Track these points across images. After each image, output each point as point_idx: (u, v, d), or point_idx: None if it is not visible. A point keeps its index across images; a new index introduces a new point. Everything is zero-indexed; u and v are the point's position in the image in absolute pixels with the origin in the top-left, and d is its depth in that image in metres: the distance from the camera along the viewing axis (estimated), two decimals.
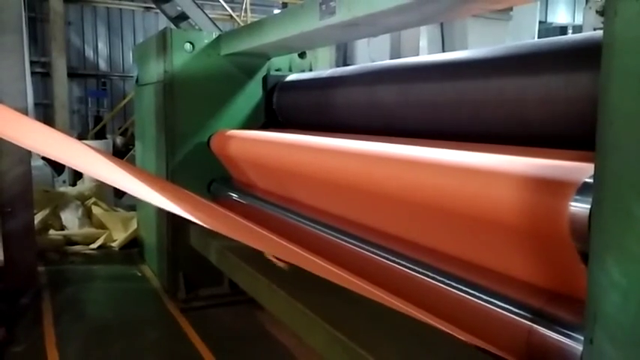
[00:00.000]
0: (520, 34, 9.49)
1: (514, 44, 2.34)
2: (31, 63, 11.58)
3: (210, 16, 7.87)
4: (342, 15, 2.67)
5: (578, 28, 14.94)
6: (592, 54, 1.77)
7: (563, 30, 16.30)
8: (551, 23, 15.91)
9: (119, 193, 7.57)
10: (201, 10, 7.63)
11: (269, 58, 4.46)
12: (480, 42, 7.93)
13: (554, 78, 1.96)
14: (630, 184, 0.98)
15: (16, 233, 4.49)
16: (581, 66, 1.86)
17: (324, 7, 2.80)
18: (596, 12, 8.92)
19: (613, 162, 1.02)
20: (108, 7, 14.39)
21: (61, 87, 11.99)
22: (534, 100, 2.04)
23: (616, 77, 1.00)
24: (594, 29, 8.77)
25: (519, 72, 2.13)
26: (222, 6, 12.21)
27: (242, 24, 11.82)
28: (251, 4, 13.08)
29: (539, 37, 11.16)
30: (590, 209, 1.34)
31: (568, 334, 1.50)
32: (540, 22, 12.35)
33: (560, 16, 16.08)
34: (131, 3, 14.44)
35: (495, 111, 2.22)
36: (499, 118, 2.22)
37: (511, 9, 8.68)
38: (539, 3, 11.54)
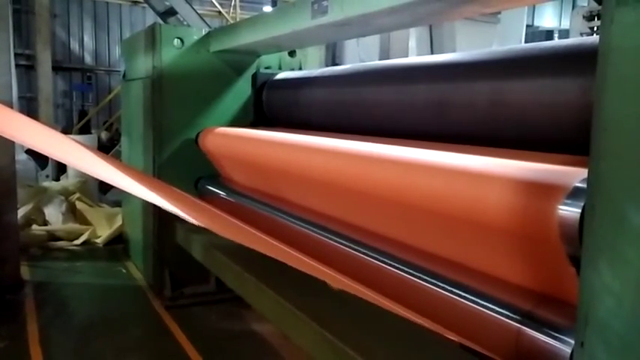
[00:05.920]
0: (507, 37, 9.57)
1: (506, 48, 2.35)
2: (15, 55, 11.37)
3: (198, 11, 7.81)
4: (334, 15, 2.67)
5: (564, 33, 15.12)
6: (584, 59, 1.80)
7: (549, 34, 16.48)
8: (538, 27, 16.09)
9: (104, 189, 7.50)
10: (190, 5, 7.58)
11: (259, 56, 4.45)
12: (468, 44, 7.97)
13: (546, 82, 1.98)
14: (624, 188, 1.00)
15: None
16: (574, 71, 1.88)
17: (316, 6, 2.79)
18: (583, 17, 9.03)
19: (607, 167, 1.03)
20: (94, 1, 14.22)
21: (46, 80, 11.83)
22: (526, 103, 2.05)
23: (611, 84, 1.01)
24: (581, 34, 8.88)
25: (512, 75, 2.14)
26: (211, 2, 12.15)
27: (231, 21, 11.78)
28: (240, 1, 13.02)
29: (525, 41, 11.27)
30: (581, 213, 1.36)
31: (557, 337, 1.52)
32: (527, 26, 12.48)
33: (546, 20, 16.27)
34: None
35: (488, 114, 2.24)
36: (492, 121, 2.23)
37: (499, 12, 8.75)
38: (526, 7, 11.63)
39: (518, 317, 1.65)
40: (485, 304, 1.76)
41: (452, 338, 1.72)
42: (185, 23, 7.41)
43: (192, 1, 7.75)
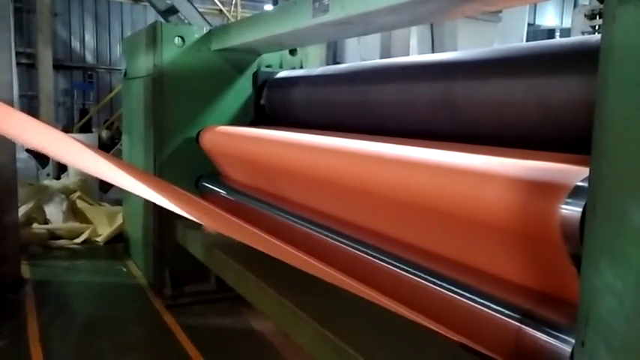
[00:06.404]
0: (509, 36, 9.56)
1: (507, 46, 2.34)
2: (17, 54, 11.36)
3: (199, 10, 7.82)
4: (335, 13, 2.66)
5: (565, 31, 15.10)
6: (586, 58, 1.79)
7: (550, 33, 16.47)
8: (539, 26, 16.06)
9: (104, 188, 7.50)
10: (191, 4, 7.58)
11: (260, 55, 4.44)
12: (469, 43, 7.97)
13: (548, 81, 1.97)
14: (625, 187, 0.99)
15: (0, 227, 4.42)
16: (576, 69, 1.87)
17: (317, 4, 2.79)
18: (585, 16, 9.03)
19: (609, 166, 1.03)
20: None
21: (47, 79, 11.84)
22: (527, 102, 2.05)
23: (614, 83, 1.01)
24: (582, 33, 8.88)
25: (513, 74, 2.14)
26: (212, 0, 12.14)
27: (232, 19, 11.77)
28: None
29: (527, 40, 11.26)
30: (582, 212, 1.35)
31: (557, 336, 1.51)
32: (528, 25, 12.46)
33: (548, 18, 16.24)
34: None
35: (489, 113, 2.23)
36: (493, 119, 2.23)
37: (501, 11, 8.74)
38: (527, 5, 11.63)
39: (518, 316, 1.64)
40: (485, 302, 1.76)
41: (452, 337, 1.72)
42: (186, 22, 7.42)
43: None
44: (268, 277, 2.75)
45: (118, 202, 6.54)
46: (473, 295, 1.82)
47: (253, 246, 2.24)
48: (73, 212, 6.48)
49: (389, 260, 2.23)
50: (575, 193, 1.44)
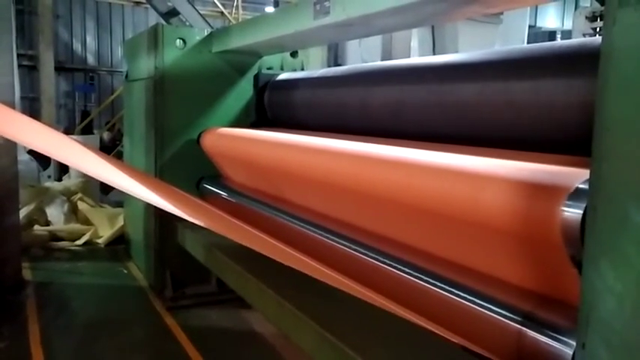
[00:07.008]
0: (510, 38, 9.55)
1: (509, 48, 2.34)
2: (18, 56, 11.37)
3: (201, 12, 7.82)
4: (336, 15, 2.66)
5: (566, 33, 15.09)
6: (587, 60, 1.79)
7: (552, 35, 16.46)
8: (540, 28, 16.05)
9: (106, 189, 7.51)
10: (192, 6, 7.58)
11: (261, 57, 4.45)
12: (470, 44, 7.96)
13: (549, 82, 1.97)
14: (626, 189, 0.99)
15: (1, 229, 4.42)
16: (577, 71, 1.87)
17: (318, 6, 2.79)
18: (586, 18, 9.03)
19: (609, 167, 1.03)
20: (97, 1, 14.27)
21: (48, 81, 11.88)
22: (528, 104, 2.05)
23: (614, 85, 1.01)
24: (583, 35, 8.87)
25: (514, 76, 2.14)
26: (214, 2, 12.16)
27: (233, 21, 11.79)
28: (242, 2, 13.04)
29: (528, 42, 11.26)
30: (583, 214, 1.35)
31: (558, 338, 1.51)
32: (530, 27, 12.44)
33: (549, 20, 16.22)
34: None
35: (490, 114, 2.23)
36: (494, 121, 2.23)
37: (502, 13, 8.74)
38: (528, 7, 11.62)
39: (519, 318, 1.64)
40: (486, 305, 1.76)
41: (453, 340, 1.72)
42: (187, 24, 7.41)
43: (194, 1, 7.76)
44: (268, 279, 2.75)
45: (119, 204, 6.54)
46: (474, 297, 1.82)
47: (254, 248, 2.24)
48: (74, 214, 6.49)
49: (390, 262, 2.23)
50: (576, 195, 1.44)
